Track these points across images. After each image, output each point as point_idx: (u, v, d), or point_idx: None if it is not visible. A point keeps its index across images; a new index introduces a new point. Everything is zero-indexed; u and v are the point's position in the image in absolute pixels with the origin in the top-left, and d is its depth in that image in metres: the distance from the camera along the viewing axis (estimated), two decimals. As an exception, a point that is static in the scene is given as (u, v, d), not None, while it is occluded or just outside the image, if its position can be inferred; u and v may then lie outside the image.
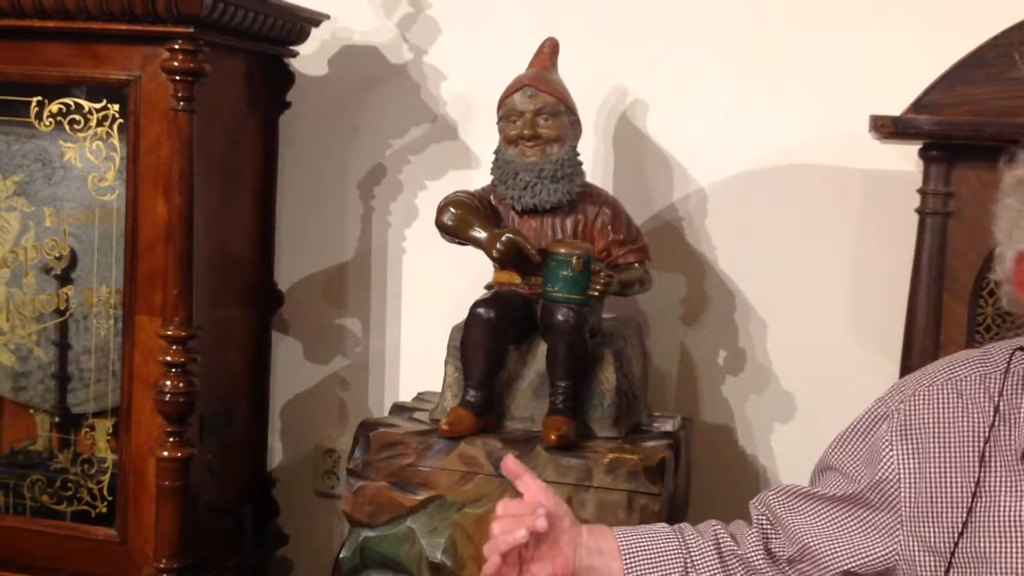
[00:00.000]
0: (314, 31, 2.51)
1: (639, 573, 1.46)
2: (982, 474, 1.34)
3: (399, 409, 2.30)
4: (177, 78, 2.09)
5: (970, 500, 1.34)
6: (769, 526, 1.52)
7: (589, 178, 2.32)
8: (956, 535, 1.34)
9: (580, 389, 2.12)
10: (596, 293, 2.11)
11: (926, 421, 1.41)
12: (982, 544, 1.33)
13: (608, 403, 2.14)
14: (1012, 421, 1.33)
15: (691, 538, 1.52)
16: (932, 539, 1.37)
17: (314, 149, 2.70)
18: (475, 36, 2.57)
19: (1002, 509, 1.33)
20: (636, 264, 2.23)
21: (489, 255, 2.14)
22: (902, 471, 1.42)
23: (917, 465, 1.41)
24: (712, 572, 1.49)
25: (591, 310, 2.14)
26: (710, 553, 1.50)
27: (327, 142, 2.69)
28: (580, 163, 2.20)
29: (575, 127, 2.20)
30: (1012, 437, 1.33)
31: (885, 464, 1.43)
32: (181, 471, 2.15)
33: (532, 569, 1.42)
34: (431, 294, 2.64)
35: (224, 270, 2.40)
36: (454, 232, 2.16)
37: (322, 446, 2.76)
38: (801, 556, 1.48)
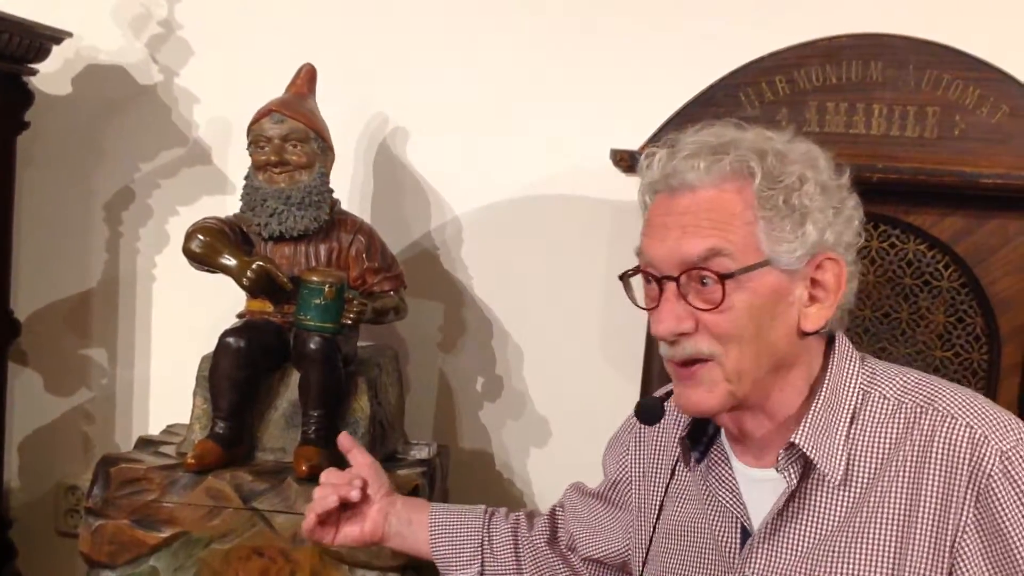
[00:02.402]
0: (56, 49, 2.40)
1: (439, 546, 1.67)
2: (671, 480, 1.47)
3: (145, 443, 2.22)
4: None
5: (659, 507, 1.47)
6: (561, 514, 1.70)
7: (346, 205, 2.32)
8: (650, 535, 1.47)
9: (333, 418, 2.09)
10: (349, 321, 2.10)
11: (653, 432, 1.54)
12: (661, 542, 1.47)
13: (362, 432, 2.13)
14: (702, 431, 1.44)
15: (496, 522, 1.71)
16: (641, 537, 1.51)
17: (56, 171, 2.58)
18: (230, 59, 2.52)
19: (671, 512, 1.46)
20: (391, 292, 2.23)
21: (239, 283, 2.10)
22: (633, 473, 1.55)
23: (642, 470, 1.54)
24: (506, 552, 1.68)
25: (344, 338, 2.13)
26: (507, 535, 1.69)
27: (70, 164, 2.58)
28: (330, 190, 2.19)
29: (326, 154, 2.19)
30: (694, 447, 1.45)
31: (624, 467, 1.58)
32: (-102, 516, 2.00)
33: (344, 529, 1.64)
34: (182, 323, 2.55)
35: (-48, 299, 2.26)
36: (202, 260, 2.11)
37: (64, 483, 2.62)
38: (571, 544, 1.67)
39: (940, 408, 1.28)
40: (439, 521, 1.68)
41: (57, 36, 2.36)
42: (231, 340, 2.06)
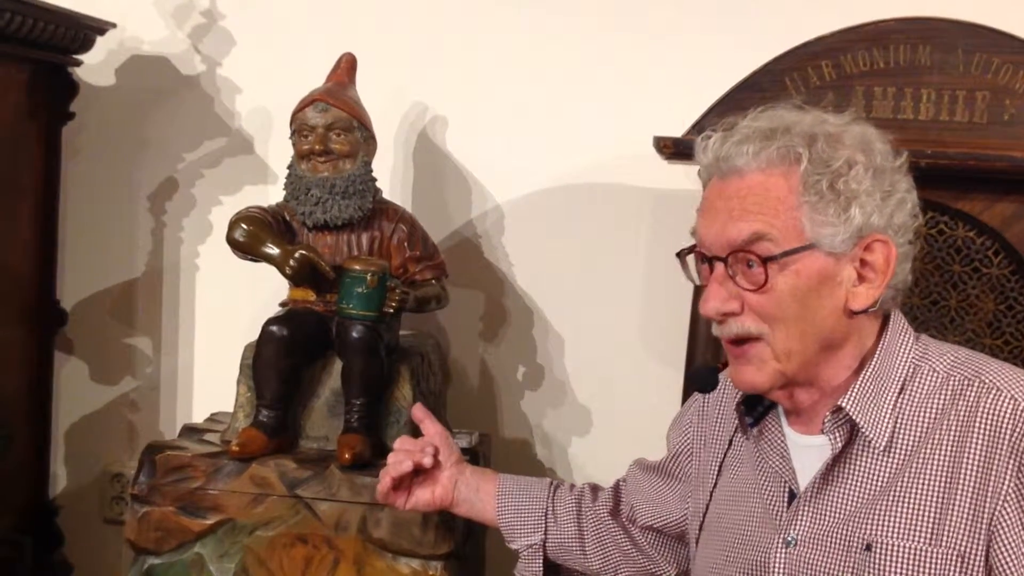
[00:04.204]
0: (99, 40, 2.42)
1: (505, 513, 1.75)
2: (727, 452, 1.52)
3: (189, 431, 2.23)
4: (-57, 86, 1.98)
5: (716, 475, 1.52)
6: (624, 487, 1.76)
7: (387, 194, 2.32)
8: (707, 502, 1.52)
9: (376, 407, 2.10)
10: (391, 310, 2.10)
11: (715, 406, 1.59)
12: (716, 509, 1.51)
13: (404, 420, 2.13)
14: (758, 399, 1.48)
15: (561, 493, 1.78)
16: (699, 505, 1.55)
17: (101, 162, 2.60)
18: (271, 49, 2.53)
19: (727, 480, 1.51)
20: (433, 281, 2.23)
21: (282, 272, 2.10)
22: (694, 445, 1.60)
23: (703, 441, 1.59)
24: (569, 522, 1.75)
25: (387, 327, 2.13)
26: (571, 506, 1.76)
27: (115, 154, 2.60)
28: (373, 179, 2.19)
29: (369, 143, 2.19)
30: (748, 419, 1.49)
31: (686, 438, 1.62)
32: (-51, 502, 2.03)
33: (416, 493, 1.74)
34: (225, 312, 2.57)
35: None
36: (246, 248, 2.11)
37: (109, 471, 2.65)
38: (632, 516, 1.72)
39: (986, 381, 1.31)
40: (506, 490, 1.76)
41: (101, 27, 2.38)
42: (274, 328, 2.06)
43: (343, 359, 2.09)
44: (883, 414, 1.33)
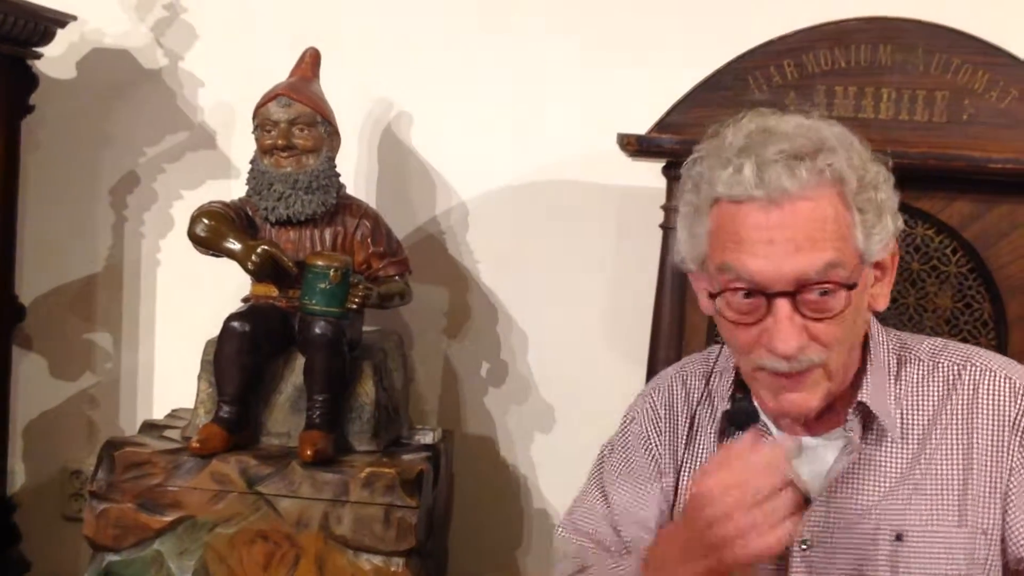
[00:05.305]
0: (60, 32, 2.39)
1: None
2: (688, 448, 1.50)
3: (149, 427, 2.22)
4: (-101, 77, 1.95)
5: (679, 471, 1.50)
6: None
7: (351, 190, 2.31)
8: (671, 499, 1.49)
9: (338, 403, 2.09)
10: (354, 306, 2.09)
11: (667, 407, 1.55)
12: (684, 505, 1.46)
13: (367, 417, 2.13)
14: (715, 403, 1.48)
15: None
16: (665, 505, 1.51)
17: (61, 155, 2.57)
18: (235, 43, 2.51)
19: (694, 474, 1.46)
20: (396, 277, 2.23)
21: (244, 268, 2.09)
22: (657, 449, 1.55)
23: (658, 444, 1.55)
24: None
25: (350, 323, 2.12)
26: None
27: (76, 148, 2.57)
28: (337, 174, 2.18)
29: (332, 138, 2.18)
30: (711, 416, 1.48)
31: (649, 450, 1.55)
32: (-97, 499, 2.00)
33: None
34: (187, 307, 2.55)
35: (-44, 283, 2.25)
36: (207, 244, 2.10)
37: (68, 468, 2.63)
38: None
39: (978, 364, 1.37)
40: None
41: (62, 19, 2.36)
42: (236, 324, 2.05)
43: (305, 355, 2.09)
44: (890, 405, 1.36)
